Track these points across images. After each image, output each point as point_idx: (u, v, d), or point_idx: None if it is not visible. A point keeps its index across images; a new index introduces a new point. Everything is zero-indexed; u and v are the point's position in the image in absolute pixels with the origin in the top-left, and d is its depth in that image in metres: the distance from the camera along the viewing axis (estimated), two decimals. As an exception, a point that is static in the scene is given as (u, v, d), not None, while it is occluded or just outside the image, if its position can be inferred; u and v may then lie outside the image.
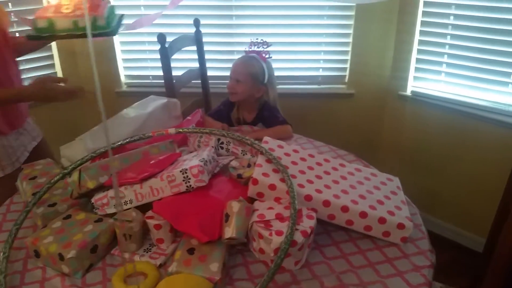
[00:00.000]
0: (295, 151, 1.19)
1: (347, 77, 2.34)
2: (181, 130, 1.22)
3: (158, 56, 1.77)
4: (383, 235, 1.01)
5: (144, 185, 1.01)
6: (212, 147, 1.25)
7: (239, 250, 0.99)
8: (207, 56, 2.06)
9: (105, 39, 2.22)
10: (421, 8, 2.04)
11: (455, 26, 1.97)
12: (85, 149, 1.28)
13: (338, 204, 1.00)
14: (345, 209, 1.00)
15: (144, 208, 1.03)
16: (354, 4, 2.13)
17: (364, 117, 2.39)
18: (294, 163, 1.12)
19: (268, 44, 1.76)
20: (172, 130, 1.23)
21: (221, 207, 0.95)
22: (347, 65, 2.31)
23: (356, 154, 1.50)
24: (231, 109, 1.82)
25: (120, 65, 2.29)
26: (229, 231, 0.90)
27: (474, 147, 2.06)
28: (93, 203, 1.06)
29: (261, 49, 1.76)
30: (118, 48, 2.27)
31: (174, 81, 1.82)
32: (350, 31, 2.22)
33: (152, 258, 0.96)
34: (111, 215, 1.04)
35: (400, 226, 0.99)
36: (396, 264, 0.96)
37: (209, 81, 2.08)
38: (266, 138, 1.21)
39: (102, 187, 1.08)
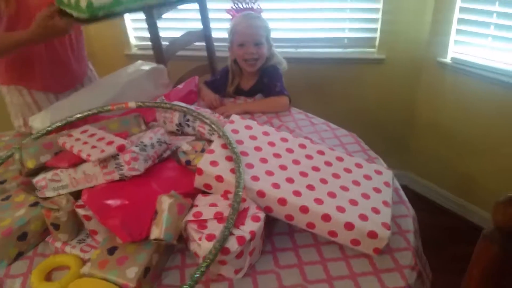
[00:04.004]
0: (265, 133, 1.01)
1: (377, 40, 2.04)
2: (141, 104, 1.08)
3: (168, 16, 1.62)
4: (352, 243, 0.83)
5: (78, 169, 0.90)
6: (176, 124, 1.10)
7: (180, 249, 0.86)
8: (212, 15, 1.86)
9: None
10: (467, -45, 1.68)
11: (510, -23, 1.60)
12: (48, 121, 1.19)
13: (296, 204, 0.82)
14: (304, 209, 0.82)
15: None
16: (385, -48, 1.80)
17: (395, 86, 2.10)
18: (257, 148, 0.95)
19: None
20: (132, 104, 1.09)
21: (155, 201, 0.82)
22: (378, 26, 2.00)
23: (365, 143, 1.26)
24: (227, 77, 1.64)
25: (129, 26, 2.16)
26: (156, 232, 0.77)
27: (523, 126, 1.73)
28: (34, 184, 0.97)
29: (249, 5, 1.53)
30: (127, 7, 2.13)
31: (165, 43, 1.65)
32: (382, -16, 1.90)
33: (83, 251, 0.86)
34: (50, 198, 0.94)
35: (372, 234, 0.80)
36: (360, 283, 0.78)
37: (215, 44, 1.88)
38: (233, 117, 1.03)
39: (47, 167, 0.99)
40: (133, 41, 2.20)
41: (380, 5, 1.94)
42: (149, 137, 0.90)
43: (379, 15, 1.97)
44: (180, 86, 1.52)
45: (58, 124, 1.10)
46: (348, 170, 0.94)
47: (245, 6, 1.52)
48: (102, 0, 1.00)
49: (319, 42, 2.09)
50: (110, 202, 0.83)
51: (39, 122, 1.22)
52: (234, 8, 1.54)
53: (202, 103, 1.52)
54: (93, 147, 0.87)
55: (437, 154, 2.13)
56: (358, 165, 0.97)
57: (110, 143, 0.87)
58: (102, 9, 1.03)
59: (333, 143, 1.23)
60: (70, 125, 1.13)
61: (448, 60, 1.90)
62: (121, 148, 0.85)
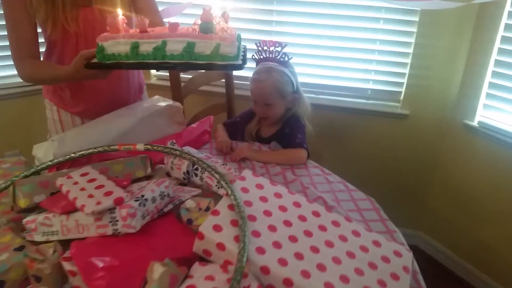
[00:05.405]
0: (277, 195, 0.93)
1: (402, 95, 1.98)
2: (149, 147, 1.02)
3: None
4: None
5: (70, 217, 0.83)
6: (184, 172, 1.03)
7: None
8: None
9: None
10: (504, 20, 1.62)
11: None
12: (51, 153, 1.14)
13: (303, 286, 0.73)
14: (312, 294, 0.73)
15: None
16: (418, 9, 1.75)
17: (417, 144, 2.02)
18: (267, 213, 0.86)
19: (282, 45, 1.46)
20: (140, 146, 1.03)
21: (147, 265, 0.74)
22: (404, 80, 1.95)
23: (380, 198, 1.18)
24: (249, 121, 1.58)
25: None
26: (142, 303, 0.69)
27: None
28: (24, 224, 0.90)
29: (272, 48, 1.46)
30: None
31: (188, 76, 1.61)
32: (412, 40, 1.85)
33: (63, 310, 0.78)
34: (38, 243, 0.87)
35: (386, 334, 0.70)
36: None
37: (235, 81, 1.84)
38: (245, 173, 0.96)
39: (38, 207, 0.92)
40: (153, 71, 2.17)
41: (408, 60, 1.89)
42: (151, 190, 0.83)
43: (406, 70, 1.92)
44: (194, 125, 1.46)
45: (61, 159, 1.05)
46: (364, 249, 0.85)
47: (268, 55, 1.46)
48: (115, 48, 0.95)
49: (341, 90, 2.04)
50: (98, 260, 0.75)
51: (42, 152, 1.17)
52: (256, 58, 1.49)
53: (214, 144, 1.46)
54: (90, 196, 0.80)
55: (453, 218, 2.02)
56: (376, 243, 0.88)
57: (108, 193, 0.80)
58: (113, 58, 0.97)
59: (349, 207, 1.14)
60: (72, 161, 1.07)
61: (475, 123, 1.82)
62: (119, 202, 0.78)
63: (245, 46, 1.18)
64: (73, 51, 1.28)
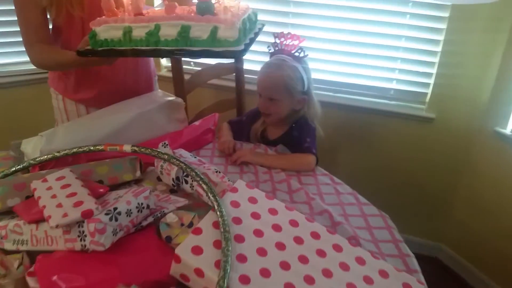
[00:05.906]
0: (272, 211, 0.82)
1: (428, 96, 1.82)
2: (136, 149, 0.93)
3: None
4: None
5: (40, 226, 0.75)
6: (173, 178, 0.94)
7: None
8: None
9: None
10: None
11: None
12: (39, 150, 1.07)
13: (291, 326, 0.63)
14: (300, 336, 0.62)
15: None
16: (449, 4, 1.59)
17: (443, 149, 1.86)
18: (258, 232, 0.76)
19: (300, 39, 1.34)
20: (127, 147, 0.94)
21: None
22: (431, 81, 1.79)
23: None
24: (255, 120, 1.47)
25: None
26: (102, 336, 0.60)
27: None
28: (-6, 230, 0.83)
29: (289, 42, 1.34)
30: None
31: (196, 68, 1.52)
32: (441, 37, 1.69)
33: (25, 330, 0.70)
34: (9, 253, 0.80)
35: None
36: None
37: (246, 76, 1.72)
38: (237, 184, 0.86)
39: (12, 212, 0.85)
40: (164, 62, 2.09)
41: (436, 59, 1.73)
42: (127, 201, 0.74)
43: (434, 70, 1.76)
44: (196, 123, 1.37)
45: (43, 158, 0.97)
46: (369, 280, 0.74)
47: (282, 47, 1.34)
48: (108, 33, 0.87)
49: (362, 89, 1.90)
50: (62, 279, 0.66)
51: (31, 148, 1.10)
52: (272, 50, 1.38)
53: (217, 144, 1.36)
54: (59, 205, 0.72)
55: (477, 231, 1.87)
56: (383, 274, 0.76)
57: (78, 204, 0.71)
58: (106, 44, 0.90)
59: (358, 224, 1.02)
60: (57, 160, 1.00)
61: (507, 131, 1.65)
62: (88, 214, 0.69)
63: (262, 26, 1.07)
64: (79, 36, 1.21)
